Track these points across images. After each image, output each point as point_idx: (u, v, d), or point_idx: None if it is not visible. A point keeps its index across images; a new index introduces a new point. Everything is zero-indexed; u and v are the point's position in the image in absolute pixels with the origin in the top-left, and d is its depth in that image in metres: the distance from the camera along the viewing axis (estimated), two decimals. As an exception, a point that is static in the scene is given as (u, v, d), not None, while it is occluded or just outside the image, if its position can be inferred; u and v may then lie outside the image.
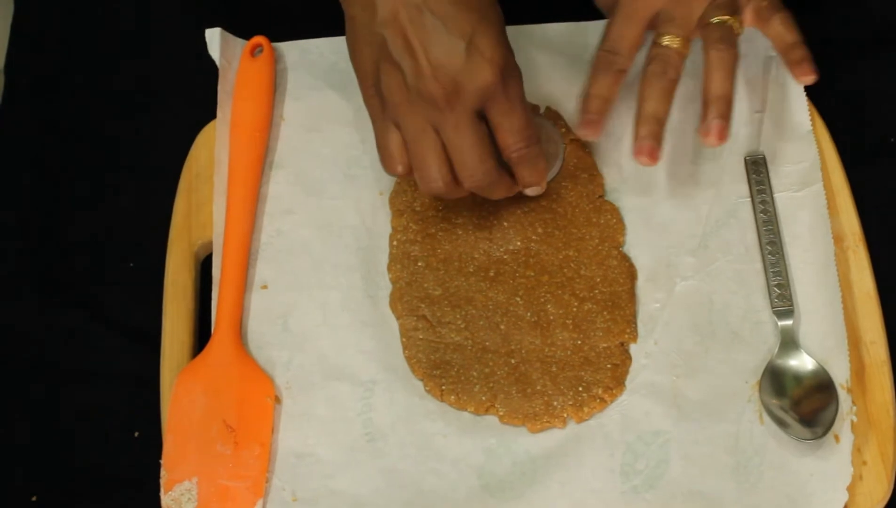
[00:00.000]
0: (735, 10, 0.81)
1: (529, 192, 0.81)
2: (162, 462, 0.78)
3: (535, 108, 0.89)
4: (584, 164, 0.87)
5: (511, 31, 0.91)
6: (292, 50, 0.92)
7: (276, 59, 0.90)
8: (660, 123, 0.79)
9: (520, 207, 0.85)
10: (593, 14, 0.92)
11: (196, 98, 0.89)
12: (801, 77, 0.81)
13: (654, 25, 0.81)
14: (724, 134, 0.79)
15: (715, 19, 0.80)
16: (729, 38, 0.80)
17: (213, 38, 0.89)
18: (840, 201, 0.85)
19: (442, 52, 0.73)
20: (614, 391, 0.80)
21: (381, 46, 0.75)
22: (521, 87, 0.78)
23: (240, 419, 0.79)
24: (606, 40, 0.81)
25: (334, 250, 0.85)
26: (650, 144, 0.79)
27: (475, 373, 0.80)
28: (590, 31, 0.92)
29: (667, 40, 0.80)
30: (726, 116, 0.79)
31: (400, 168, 0.78)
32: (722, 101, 0.79)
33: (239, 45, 0.90)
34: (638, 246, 0.85)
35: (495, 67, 0.74)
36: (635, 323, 0.82)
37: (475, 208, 0.85)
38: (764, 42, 0.86)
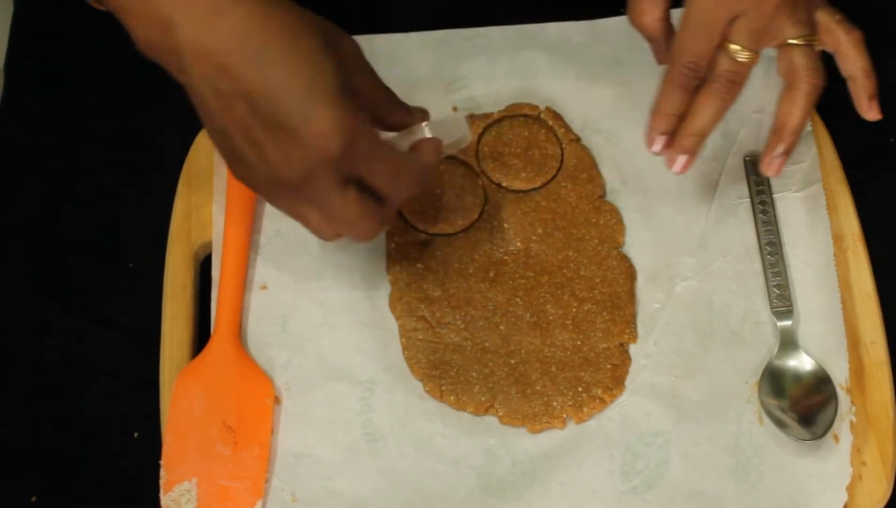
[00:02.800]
0: (814, 27, 0.77)
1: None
2: (162, 462, 0.78)
3: (533, 108, 0.89)
4: (584, 164, 0.87)
5: (511, 31, 0.92)
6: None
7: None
8: (703, 140, 0.78)
9: (519, 207, 0.85)
10: (593, 13, 0.92)
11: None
12: (868, 113, 0.78)
13: (725, 30, 0.77)
14: (780, 170, 0.78)
15: (797, 40, 0.76)
16: (819, 68, 0.76)
17: (213, 38, 0.89)
18: (840, 201, 0.85)
19: (278, 139, 0.67)
20: (614, 392, 0.80)
21: (227, 139, 0.69)
22: (374, 135, 0.71)
23: (239, 420, 0.79)
24: (685, 55, 0.77)
25: (334, 250, 0.85)
26: (688, 160, 0.78)
27: (475, 374, 0.80)
28: (590, 31, 0.92)
29: (737, 51, 0.76)
30: (791, 150, 0.78)
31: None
32: (795, 136, 0.77)
33: (239, 45, 0.90)
34: (638, 246, 0.85)
35: (335, 138, 0.67)
36: (635, 324, 0.82)
37: (475, 210, 0.85)
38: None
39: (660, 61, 0.81)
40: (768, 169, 0.78)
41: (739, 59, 0.76)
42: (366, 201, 0.71)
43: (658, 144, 0.78)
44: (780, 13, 0.76)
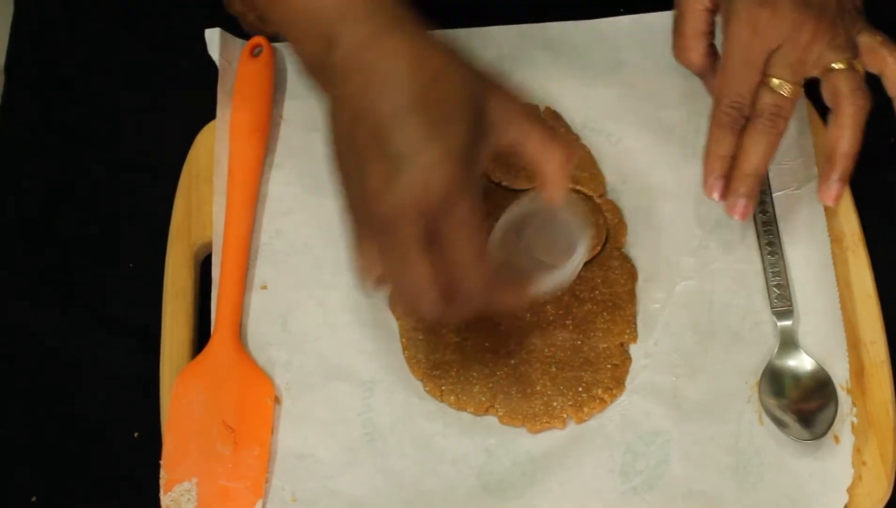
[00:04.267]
0: (856, 50, 0.77)
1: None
2: (162, 462, 0.78)
3: (533, 108, 0.89)
4: (584, 164, 0.87)
5: (511, 30, 0.92)
6: (291, 50, 0.92)
7: (275, 60, 0.90)
8: (760, 181, 0.77)
9: (519, 207, 0.85)
10: (593, 13, 0.92)
11: (196, 98, 0.89)
12: None
13: (767, 63, 0.77)
14: (839, 197, 0.77)
15: (839, 65, 0.76)
16: (864, 89, 0.76)
17: (213, 38, 0.89)
18: (840, 201, 0.85)
19: (384, 172, 0.66)
20: (614, 392, 0.80)
21: (343, 155, 0.70)
22: (471, 210, 0.68)
23: (239, 420, 0.79)
24: (728, 95, 0.77)
25: (334, 250, 0.85)
26: (746, 203, 0.77)
27: (475, 374, 0.80)
28: (590, 31, 0.92)
29: (779, 85, 0.76)
30: (848, 176, 0.77)
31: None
32: (849, 160, 0.76)
33: (238, 45, 0.90)
34: (638, 246, 0.85)
35: (435, 188, 0.66)
36: (635, 324, 0.82)
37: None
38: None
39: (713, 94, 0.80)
40: (826, 197, 0.77)
41: (782, 93, 0.76)
42: (437, 278, 0.68)
43: (717, 190, 0.78)
44: (818, 41, 0.76)
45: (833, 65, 0.76)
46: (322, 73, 0.70)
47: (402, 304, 0.72)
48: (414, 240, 0.67)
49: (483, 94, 0.69)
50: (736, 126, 0.77)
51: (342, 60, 0.69)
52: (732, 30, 0.77)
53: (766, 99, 0.76)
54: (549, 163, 0.71)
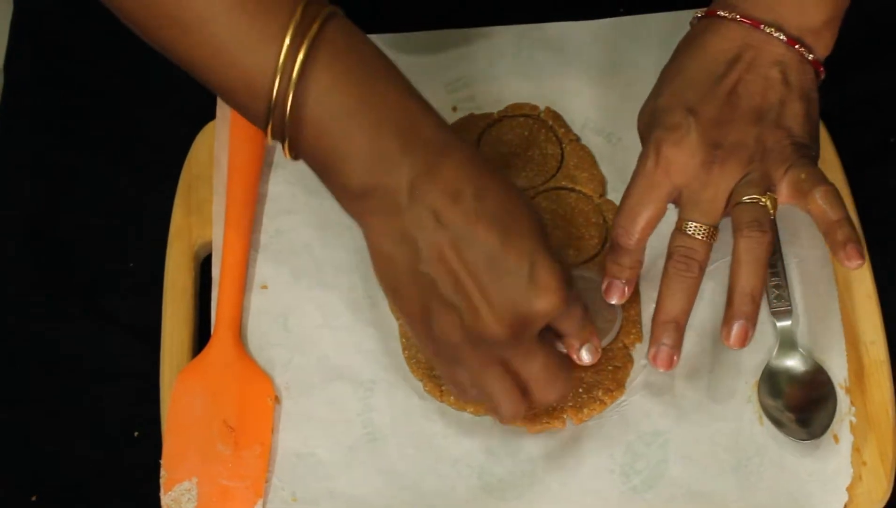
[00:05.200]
0: (769, 186, 0.74)
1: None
2: (162, 462, 0.78)
3: (533, 108, 0.89)
4: (584, 163, 0.87)
5: (511, 30, 0.92)
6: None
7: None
8: (680, 329, 0.74)
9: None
10: (593, 13, 0.92)
11: (196, 98, 0.89)
12: (847, 262, 0.72)
13: (678, 203, 0.75)
14: (746, 339, 0.73)
15: (746, 198, 0.73)
16: (762, 223, 0.73)
17: (213, 38, 0.89)
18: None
19: (499, 291, 0.66)
20: (614, 394, 0.80)
21: (430, 287, 0.67)
22: (580, 303, 0.73)
23: (240, 420, 0.79)
24: (621, 214, 0.76)
25: (334, 250, 0.85)
26: (668, 351, 0.75)
27: (475, 374, 0.80)
28: (589, 30, 0.92)
29: (692, 229, 0.74)
30: (752, 317, 0.73)
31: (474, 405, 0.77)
32: (747, 299, 0.72)
33: (239, 45, 0.90)
34: (637, 246, 0.85)
35: (557, 296, 0.67)
36: (640, 324, 0.82)
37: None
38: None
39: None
40: (731, 342, 0.73)
41: (697, 237, 0.74)
42: (558, 356, 0.72)
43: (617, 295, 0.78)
44: (725, 179, 0.74)
45: (742, 199, 0.74)
46: (375, 198, 0.67)
47: (490, 410, 0.73)
48: (536, 339, 0.69)
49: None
50: (627, 246, 0.76)
51: (411, 182, 0.66)
52: (639, 159, 0.76)
53: (677, 242, 0.74)
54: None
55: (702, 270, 0.74)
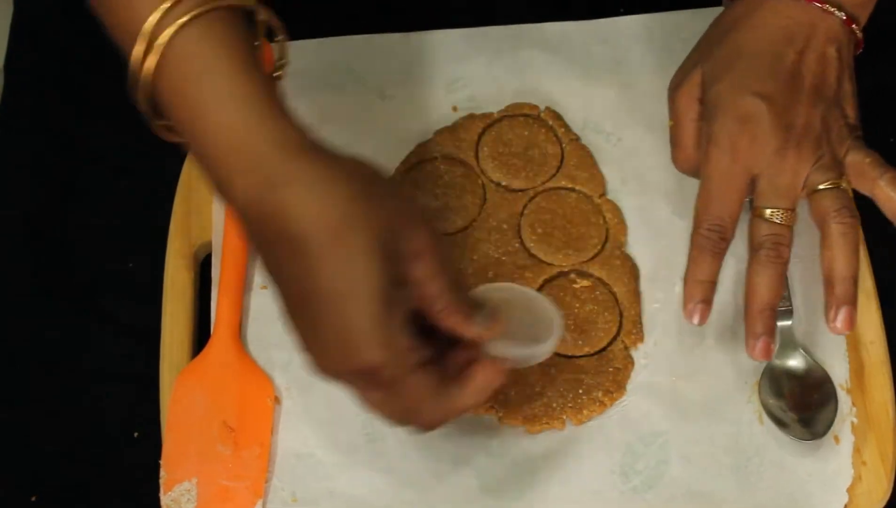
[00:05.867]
0: (842, 170, 0.75)
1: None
2: (162, 462, 0.78)
3: (533, 108, 0.89)
4: (584, 163, 0.87)
5: (511, 30, 0.91)
6: (290, 49, 0.92)
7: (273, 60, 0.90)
8: (775, 315, 0.75)
9: (519, 207, 0.85)
10: (593, 13, 0.92)
11: (196, 98, 0.89)
12: None
13: (753, 191, 0.75)
14: (852, 323, 0.73)
15: (825, 185, 0.74)
16: (850, 207, 0.74)
17: (213, 38, 0.89)
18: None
19: (320, 336, 0.65)
20: (614, 395, 0.80)
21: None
22: (408, 356, 0.65)
23: (240, 420, 0.79)
24: (707, 218, 0.75)
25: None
26: (766, 341, 0.74)
27: (475, 374, 0.80)
28: (590, 31, 0.92)
29: (773, 215, 0.74)
30: (856, 300, 0.74)
31: None
32: (850, 283, 0.73)
33: (238, 45, 0.90)
34: (638, 246, 0.85)
35: (370, 354, 0.64)
36: (641, 324, 0.82)
37: (473, 210, 0.85)
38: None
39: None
40: (838, 328, 0.74)
41: (776, 221, 0.74)
42: (434, 379, 0.67)
43: (697, 314, 0.75)
44: (802, 164, 0.74)
45: (819, 186, 0.74)
46: (229, 206, 0.66)
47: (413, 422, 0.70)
48: (368, 385, 0.66)
49: (404, 229, 0.65)
50: (717, 249, 0.75)
51: (242, 210, 0.65)
52: (712, 155, 0.75)
53: (762, 230, 0.74)
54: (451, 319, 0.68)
55: (789, 254, 0.74)
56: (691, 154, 0.78)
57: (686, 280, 0.76)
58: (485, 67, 0.91)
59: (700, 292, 0.75)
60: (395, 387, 0.66)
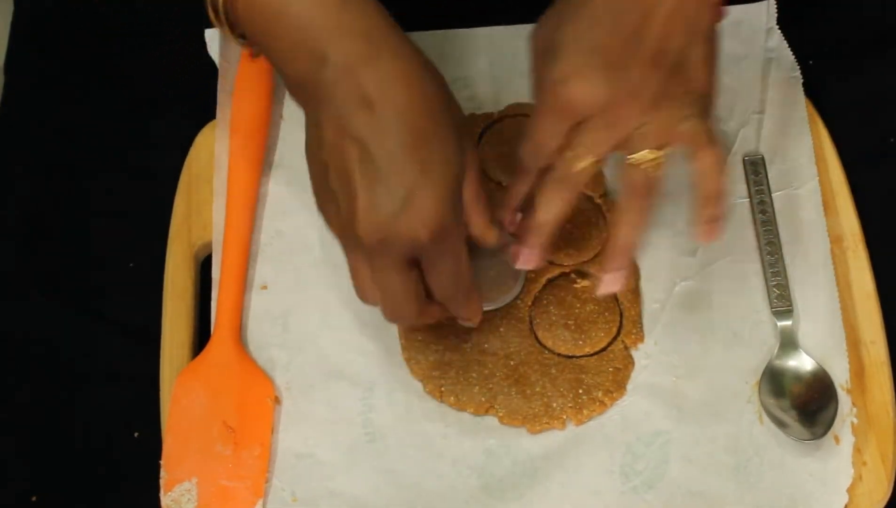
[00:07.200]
0: (664, 141, 0.73)
1: (463, 323, 0.78)
2: (162, 462, 0.78)
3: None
4: (584, 164, 0.87)
5: (511, 30, 0.91)
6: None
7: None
8: (545, 235, 0.76)
9: (519, 207, 0.85)
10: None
11: (196, 98, 0.89)
12: (701, 238, 0.75)
13: (573, 129, 0.73)
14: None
15: (637, 156, 0.73)
16: (651, 186, 0.73)
17: (213, 38, 0.89)
18: (840, 201, 0.85)
19: (375, 201, 0.68)
20: (615, 395, 0.80)
21: (325, 172, 0.70)
22: (457, 244, 0.72)
23: (240, 420, 0.79)
24: (528, 144, 0.75)
25: (334, 250, 0.84)
26: (530, 252, 0.76)
27: (474, 374, 0.80)
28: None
29: (572, 158, 0.73)
30: (629, 265, 0.77)
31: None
32: (631, 251, 0.76)
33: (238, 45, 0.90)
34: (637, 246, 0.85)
35: (427, 229, 0.69)
36: (641, 324, 0.82)
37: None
38: (762, 43, 0.86)
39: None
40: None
41: (578, 164, 0.73)
42: (419, 291, 0.72)
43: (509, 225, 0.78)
44: (619, 124, 0.72)
45: (635, 156, 0.73)
46: (308, 90, 0.70)
47: (383, 310, 0.74)
48: (402, 264, 0.70)
49: (465, 140, 0.71)
50: (530, 169, 0.75)
51: (333, 80, 0.68)
52: (540, 96, 0.74)
53: (559, 163, 0.74)
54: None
55: (574, 196, 0.74)
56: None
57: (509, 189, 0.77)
58: (485, 66, 0.91)
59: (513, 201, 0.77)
60: (445, 256, 0.71)
